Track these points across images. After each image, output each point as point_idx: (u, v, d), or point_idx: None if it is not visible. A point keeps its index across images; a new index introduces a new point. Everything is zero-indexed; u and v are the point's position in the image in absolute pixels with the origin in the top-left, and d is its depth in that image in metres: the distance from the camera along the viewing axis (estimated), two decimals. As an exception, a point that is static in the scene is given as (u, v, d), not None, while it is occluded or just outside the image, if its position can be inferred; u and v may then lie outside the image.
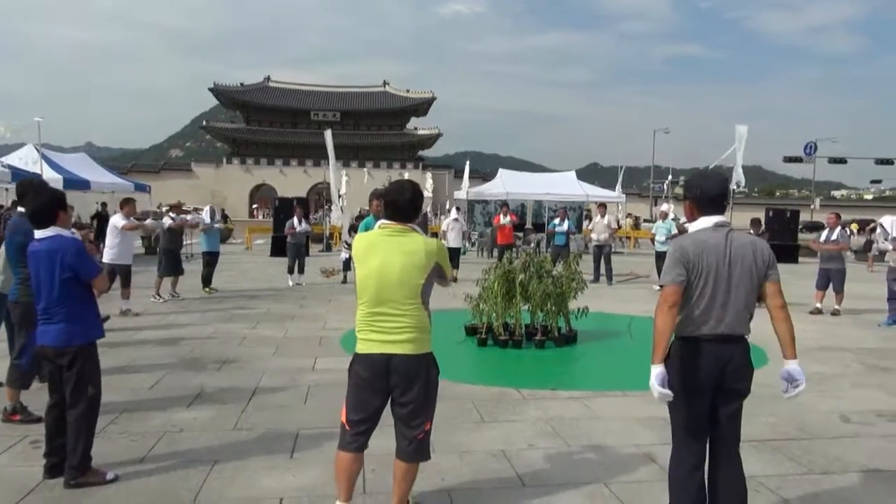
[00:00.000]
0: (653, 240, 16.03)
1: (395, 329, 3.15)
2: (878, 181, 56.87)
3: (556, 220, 15.83)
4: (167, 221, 11.52)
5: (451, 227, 15.68)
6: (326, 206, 23.62)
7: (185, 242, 12.72)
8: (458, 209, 17.99)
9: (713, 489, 3.12)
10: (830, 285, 11.02)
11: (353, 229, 14.10)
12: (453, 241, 15.42)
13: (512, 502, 3.70)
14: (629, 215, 30.93)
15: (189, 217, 12.65)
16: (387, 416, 3.30)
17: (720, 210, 3.10)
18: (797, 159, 44.36)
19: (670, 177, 48.04)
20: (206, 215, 12.69)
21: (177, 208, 12.13)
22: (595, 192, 26.24)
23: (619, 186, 29.68)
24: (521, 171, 33.66)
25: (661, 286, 3.10)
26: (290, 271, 13.61)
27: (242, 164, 67.50)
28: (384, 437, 3.47)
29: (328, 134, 21.71)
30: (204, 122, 75.75)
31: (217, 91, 70.30)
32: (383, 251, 3.18)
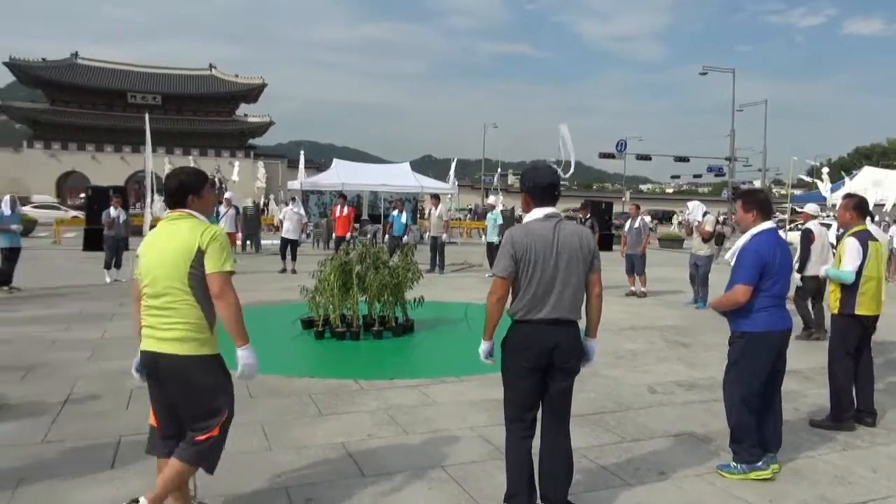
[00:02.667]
0: (486, 230, 16.71)
1: (165, 325, 2.99)
2: (677, 176, 63.32)
3: (395, 212, 16.13)
4: None
5: (287, 216, 15.27)
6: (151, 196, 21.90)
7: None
8: (293, 199, 17.60)
9: (543, 462, 3.35)
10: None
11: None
12: (291, 232, 15.02)
13: (351, 493, 3.71)
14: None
15: None
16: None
17: (551, 201, 3.31)
18: (610, 155, 48.27)
19: (499, 170, 50.23)
20: (4, 207, 11.28)
21: None
22: (429, 184, 26.81)
23: (451, 178, 30.47)
24: (357, 161, 33.55)
25: (492, 274, 3.30)
26: (108, 266, 12.56)
27: (47, 148, 60.85)
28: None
29: (147, 118, 20.29)
30: (-1, 101, 67.24)
31: (15, 66, 62.55)
32: (158, 240, 3.06)
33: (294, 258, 14.85)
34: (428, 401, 5.48)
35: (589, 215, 14.17)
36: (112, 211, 12.91)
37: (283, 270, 14.33)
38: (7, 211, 11.09)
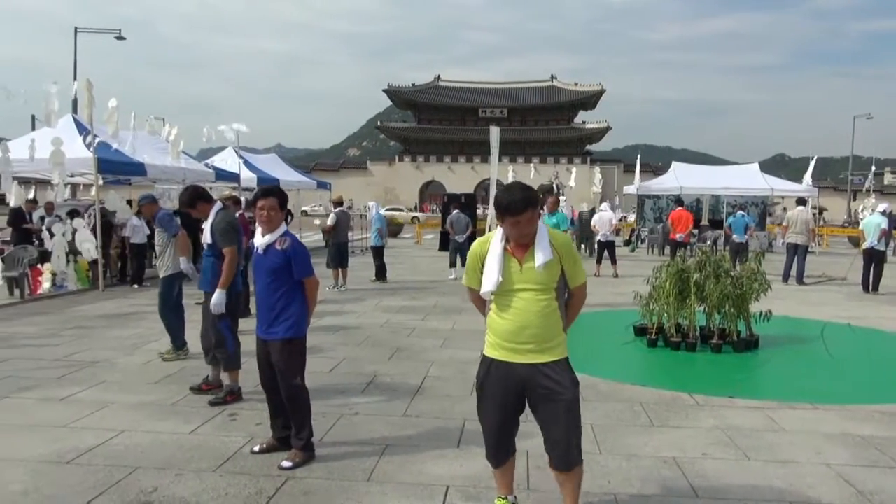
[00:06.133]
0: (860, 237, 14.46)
1: None
2: None
3: (739, 213, 15.31)
4: (332, 218, 12.26)
5: (599, 220, 15.17)
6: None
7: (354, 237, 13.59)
8: (604, 201, 17.63)
9: None
10: None
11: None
12: (605, 235, 14.87)
13: (683, 513, 3.51)
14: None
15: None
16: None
17: None
18: None
19: (874, 168, 42.94)
20: (375, 209, 13.63)
21: (338, 203, 12.80)
22: (781, 186, 24.15)
23: (808, 178, 26.52)
24: (697, 164, 31.70)
25: None
26: (452, 265, 13.95)
27: (413, 161, 70.28)
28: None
29: (494, 130, 21.97)
30: (378, 123, 79.95)
31: (391, 92, 73.77)
32: None
33: (613, 261, 14.61)
34: (774, 426, 4.93)
35: None
36: (454, 214, 14.44)
37: (597, 275, 14.05)
38: (374, 213, 13.39)
